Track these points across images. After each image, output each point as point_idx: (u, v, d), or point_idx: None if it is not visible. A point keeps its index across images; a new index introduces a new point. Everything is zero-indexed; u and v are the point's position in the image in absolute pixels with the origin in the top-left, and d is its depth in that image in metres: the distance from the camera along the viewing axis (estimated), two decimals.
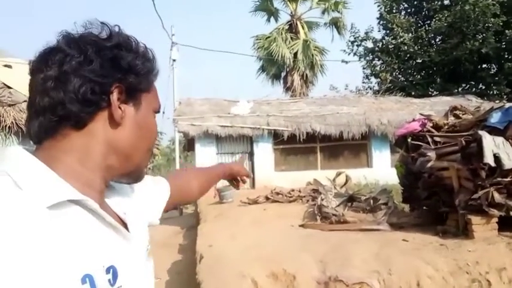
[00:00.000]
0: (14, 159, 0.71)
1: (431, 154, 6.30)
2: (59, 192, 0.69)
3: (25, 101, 5.34)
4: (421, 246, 5.71)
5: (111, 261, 0.72)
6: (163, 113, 16.92)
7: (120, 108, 0.77)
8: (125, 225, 0.82)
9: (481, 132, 5.53)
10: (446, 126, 6.58)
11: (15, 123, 5.34)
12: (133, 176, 0.86)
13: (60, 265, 0.64)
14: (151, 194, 1.03)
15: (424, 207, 7.00)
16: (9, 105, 5.28)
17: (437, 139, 6.47)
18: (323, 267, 5.30)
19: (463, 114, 6.75)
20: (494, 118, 5.72)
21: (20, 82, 5.59)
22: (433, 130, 6.62)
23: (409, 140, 6.97)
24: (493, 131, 5.69)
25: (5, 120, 5.20)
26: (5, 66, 5.75)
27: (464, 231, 5.91)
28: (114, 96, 0.76)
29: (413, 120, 7.04)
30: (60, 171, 0.71)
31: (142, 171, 0.87)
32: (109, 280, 0.71)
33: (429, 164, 6.26)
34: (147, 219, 0.98)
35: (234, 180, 1.48)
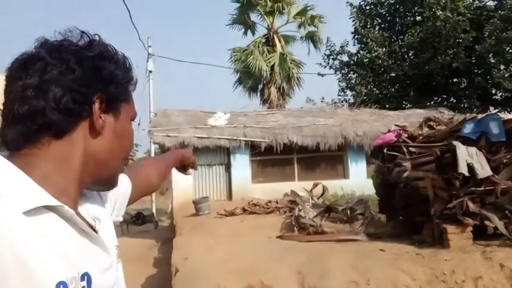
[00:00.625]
0: None
1: (407, 164, 6.37)
2: (35, 198, 0.68)
3: None
4: (398, 256, 5.72)
5: (85, 268, 0.71)
6: (139, 124, 16.72)
7: (101, 117, 0.77)
8: (94, 230, 0.81)
9: (455, 142, 5.63)
10: (421, 137, 6.69)
11: None
12: (108, 183, 0.87)
13: (34, 272, 0.63)
14: (115, 192, 0.98)
15: (400, 217, 7.06)
16: None
17: (412, 149, 6.56)
18: (301, 278, 5.25)
19: (437, 125, 6.87)
20: (467, 129, 5.83)
21: None
22: (408, 141, 6.71)
23: (385, 150, 7.04)
24: (467, 141, 5.80)
25: None
26: None
27: (440, 241, 5.97)
28: (96, 106, 0.76)
29: (389, 131, 7.13)
30: (37, 177, 0.70)
31: (116, 179, 0.88)
32: (83, 287, 0.70)
33: (405, 174, 6.32)
34: (112, 219, 0.97)
35: (184, 167, 1.51)
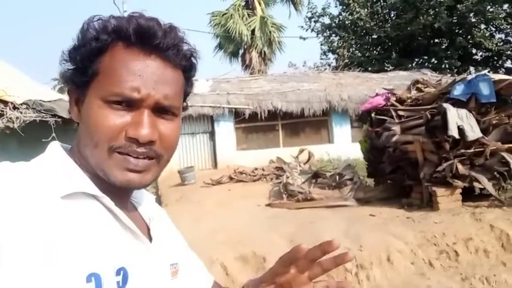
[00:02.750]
0: (48, 152, 0.72)
1: (396, 128, 6.31)
2: (74, 183, 0.67)
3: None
4: (389, 221, 5.73)
5: (122, 262, 0.67)
6: None
7: (77, 106, 0.74)
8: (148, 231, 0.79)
9: (445, 104, 5.55)
10: (409, 100, 6.60)
11: None
12: (106, 180, 0.71)
13: (64, 259, 0.60)
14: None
15: (389, 181, 7.06)
16: None
17: (401, 113, 6.48)
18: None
19: (425, 88, 6.78)
20: (457, 90, 5.75)
21: None
22: (396, 104, 6.62)
23: (373, 114, 6.95)
24: (456, 103, 5.73)
25: None
26: None
27: (429, 203, 6.00)
28: (70, 98, 0.75)
29: (377, 94, 7.01)
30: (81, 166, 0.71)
31: (105, 172, 0.70)
32: (118, 282, 0.66)
33: (394, 138, 6.26)
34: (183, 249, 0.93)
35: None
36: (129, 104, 0.69)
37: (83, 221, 0.65)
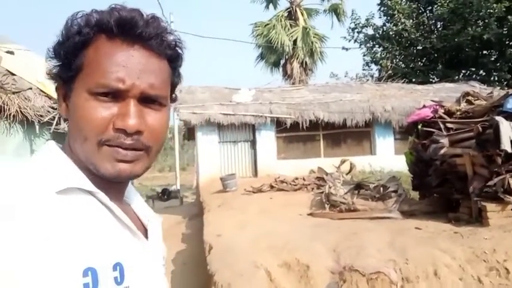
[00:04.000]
0: (43, 150, 0.73)
1: (444, 141, 6.19)
2: (69, 179, 0.68)
3: (30, 88, 5.14)
4: (435, 235, 5.62)
5: (118, 258, 0.68)
6: None
7: (65, 102, 0.74)
8: (145, 230, 0.80)
9: (497, 118, 5.41)
10: (458, 113, 6.45)
11: (20, 111, 5.11)
12: (96, 173, 0.71)
13: (60, 253, 0.61)
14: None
15: (435, 195, 6.90)
16: (13, 93, 5.06)
17: (449, 125, 6.35)
18: (337, 256, 5.20)
19: (475, 100, 6.62)
20: (511, 104, 5.59)
21: (24, 69, 5.37)
22: (445, 116, 6.49)
23: (419, 126, 6.84)
24: (509, 116, 5.56)
25: (9, 109, 4.96)
26: (7, 52, 5.52)
27: (478, 219, 5.82)
28: (58, 94, 0.76)
29: (424, 106, 6.90)
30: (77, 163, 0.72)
31: (95, 166, 0.70)
32: (115, 278, 0.67)
33: (442, 151, 6.14)
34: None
35: None
36: (115, 95, 0.68)
37: (79, 216, 0.65)
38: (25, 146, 5.15)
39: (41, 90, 5.05)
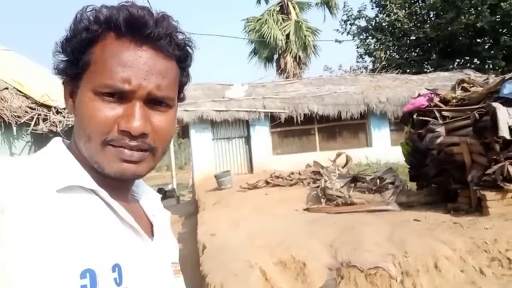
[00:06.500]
0: (48, 146, 0.72)
1: (440, 130, 6.04)
2: (71, 177, 0.66)
3: (6, 88, 4.94)
4: (435, 226, 5.48)
5: (119, 259, 0.66)
6: None
7: (72, 100, 0.72)
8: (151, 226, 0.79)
9: (494, 104, 5.25)
10: (454, 100, 6.30)
11: None
12: (100, 172, 0.70)
13: (57, 254, 0.59)
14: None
15: (433, 185, 6.76)
16: None
17: (445, 114, 6.19)
18: (334, 252, 5.05)
19: (471, 87, 6.46)
20: (508, 89, 5.43)
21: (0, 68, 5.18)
22: (440, 105, 6.34)
23: (415, 116, 6.69)
24: (506, 102, 5.41)
25: None
26: None
27: (478, 208, 5.69)
28: (64, 90, 0.74)
29: (419, 95, 6.74)
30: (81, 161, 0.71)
31: (99, 164, 0.69)
32: (115, 279, 0.64)
33: (438, 140, 5.99)
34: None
35: None
36: (121, 96, 0.67)
37: (78, 215, 0.64)
38: (3, 149, 4.95)
39: (18, 90, 4.87)
